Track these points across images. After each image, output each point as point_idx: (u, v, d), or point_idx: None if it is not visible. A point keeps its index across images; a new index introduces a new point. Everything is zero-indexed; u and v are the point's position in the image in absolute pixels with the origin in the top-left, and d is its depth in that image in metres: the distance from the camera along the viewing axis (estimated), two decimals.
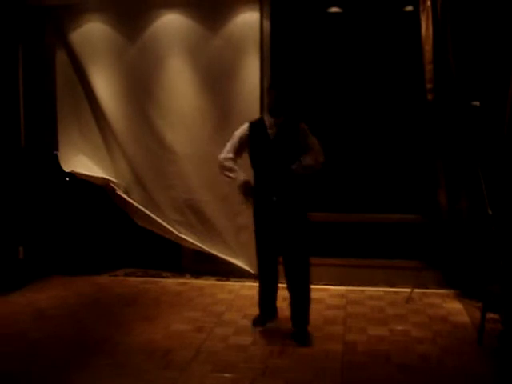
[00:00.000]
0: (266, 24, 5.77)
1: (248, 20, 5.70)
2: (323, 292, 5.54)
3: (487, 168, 4.88)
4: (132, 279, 6.08)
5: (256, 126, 4.48)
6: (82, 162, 6.14)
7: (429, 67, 5.35)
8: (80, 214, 6.17)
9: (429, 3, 5.28)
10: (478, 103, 4.80)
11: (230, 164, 4.48)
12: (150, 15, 5.89)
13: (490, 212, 4.51)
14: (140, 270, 6.29)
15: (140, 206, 6.06)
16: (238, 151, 4.53)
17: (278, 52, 5.88)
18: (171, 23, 5.88)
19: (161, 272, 6.20)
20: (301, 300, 4.52)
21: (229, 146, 4.52)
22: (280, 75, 4.57)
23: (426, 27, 5.32)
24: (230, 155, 4.49)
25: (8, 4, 5.77)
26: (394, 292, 5.53)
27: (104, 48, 6.05)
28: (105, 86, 6.05)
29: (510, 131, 4.96)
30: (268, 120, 4.42)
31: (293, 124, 4.42)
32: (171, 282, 5.93)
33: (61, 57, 6.10)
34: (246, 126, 4.51)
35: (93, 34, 6.03)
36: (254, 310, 4.77)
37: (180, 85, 5.95)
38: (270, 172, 4.39)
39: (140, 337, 4.49)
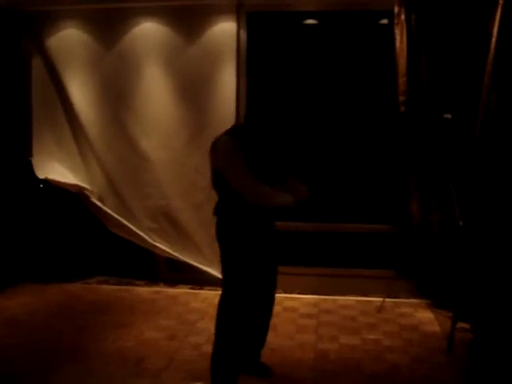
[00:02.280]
0: (243, 34, 5.81)
1: (225, 30, 5.73)
2: (296, 301, 5.57)
3: (458, 180, 4.97)
4: (105, 287, 6.04)
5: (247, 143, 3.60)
6: (56, 168, 6.10)
7: (402, 80, 5.43)
8: (53, 220, 6.13)
9: (403, 17, 5.37)
10: (449, 116, 4.88)
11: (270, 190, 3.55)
12: (128, 23, 5.89)
13: (461, 223, 4.58)
14: (113, 278, 6.25)
15: (114, 214, 6.04)
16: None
17: (254, 62, 5.92)
18: (148, 31, 5.89)
19: (134, 280, 6.17)
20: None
21: (247, 173, 3.47)
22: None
23: (400, 40, 5.40)
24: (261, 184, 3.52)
25: None
26: (366, 301, 5.58)
27: (80, 55, 6.02)
28: (80, 92, 6.03)
29: (480, 143, 5.05)
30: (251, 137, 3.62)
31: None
32: (145, 291, 5.91)
33: (37, 63, 6.06)
34: (233, 140, 3.53)
35: (70, 40, 6.01)
36: None
37: (156, 93, 5.96)
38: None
39: (113, 345, 4.47)
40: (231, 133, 3.59)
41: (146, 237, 6.01)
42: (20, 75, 6.06)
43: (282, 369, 4.05)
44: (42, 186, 6.06)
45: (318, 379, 3.93)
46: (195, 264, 5.96)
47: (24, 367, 4.06)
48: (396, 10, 5.40)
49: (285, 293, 5.69)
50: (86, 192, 6.07)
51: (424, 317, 5.19)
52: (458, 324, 4.50)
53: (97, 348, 4.41)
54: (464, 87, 5.23)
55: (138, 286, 6.06)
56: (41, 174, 5.99)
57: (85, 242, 6.26)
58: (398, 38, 5.42)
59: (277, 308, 5.18)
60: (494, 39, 4.92)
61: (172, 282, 6.07)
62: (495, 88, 4.92)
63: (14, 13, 5.94)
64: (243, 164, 3.44)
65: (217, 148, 3.51)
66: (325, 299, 5.63)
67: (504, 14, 4.86)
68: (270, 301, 3.90)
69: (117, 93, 6.00)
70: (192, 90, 5.87)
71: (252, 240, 3.59)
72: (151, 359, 4.20)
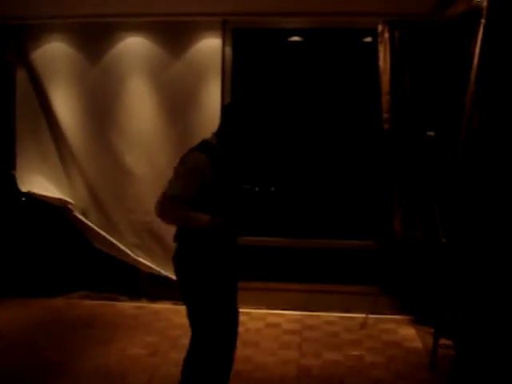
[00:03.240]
0: (228, 51, 5.85)
1: (210, 46, 5.76)
2: (279, 317, 5.55)
3: (441, 197, 5.00)
4: (87, 302, 5.99)
5: (217, 159, 3.30)
6: (39, 182, 6.06)
7: (385, 97, 5.49)
8: (36, 234, 6.08)
9: (387, 35, 5.43)
10: (432, 133, 4.94)
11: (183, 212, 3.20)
12: (113, 37, 5.91)
13: (444, 240, 4.61)
14: (95, 293, 6.20)
15: (97, 229, 6.01)
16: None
17: (239, 78, 5.95)
18: (134, 46, 5.91)
19: (117, 295, 6.13)
20: None
21: (175, 186, 3.20)
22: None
23: (384, 59, 5.46)
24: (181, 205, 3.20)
25: None
26: (350, 317, 5.58)
27: (65, 68, 6.02)
28: (65, 106, 6.02)
29: (463, 161, 5.09)
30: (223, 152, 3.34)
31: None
32: (127, 306, 5.87)
33: (21, 76, 6.04)
34: (202, 157, 3.23)
35: (54, 54, 6.00)
36: None
37: (140, 107, 5.96)
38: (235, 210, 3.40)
39: (95, 360, 4.44)
40: (201, 148, 3.30)
41: (129, 252, 5.99)
42: (4, 88, 6.05)
43: None
44: (24, 199, 6.01)
45: None
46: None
47: (5, 382, 4.01)
48: (380, 28, 5.47)
49: (268, 309, 5.68)
50: (70, 206, 6.04)
51: (407, 333, 5.20)
52: (441, 340, 4.51)
53: (80, 364, 4.38)
54: (447, 105, 5.28)
55: (120, 301, 6.02)
56: (24, 188, 5.96)
57: (67, 256, 6.21)
58: (381, 55, 5.48)
59: (260, 324, 5.22)
60: (475, 59, 4.97)
61: (155, 298, 6.03)
62: (477, 107, 4.97)
63: None
64: (191, 179, 3.18)
65: (183, 162, 3.25)
66: (308, 315, 5.63)
67: (486, 33, 4.91)
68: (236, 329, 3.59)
69: (101, 107, 6.00)
70: (177, 105, 5.88)
71: (219, 268, 3.30)
72: (133, 375, 4.18)
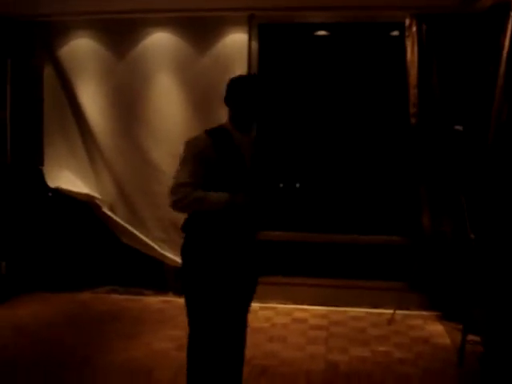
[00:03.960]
0: (254, 45, 5.83)
1: (236, 41, 5.75)
2: (306, 312, 5.54)
3: (470, 192, 4.95)
4: (114, 296, 6.04)
5: (221, 140, 3.13)
6: (67, 177, 6.12)
7: (413, 91, 5.44)
8: (63, 229, 6.14)
9: (414, 29, 5.38)
10: (460, 128, 4.88)
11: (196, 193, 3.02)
12: (139, 33, 5.93)
13: (472, 236, 4.56)
14: (122, 288, 6.25)
15: (124, 223, 6.06)
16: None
17: (265, 73, 5.94)
18: (160, 41, 5.92)
19: (143, 290, 6.17)
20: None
21: (183, 174, 3.05)
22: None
23: (411, 52, 5.41)
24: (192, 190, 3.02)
25: None
26: (377, 313, 5.55)
27: (92, 64, 6.06)
28: (92, 102, 6.07)
29: (491, 155, 5.03)
30: (235, 134, 3.18)
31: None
32: (154, 300, 5.91)
33: (49, 72, 6.10)
34: (204, 138, 3.10)
35: (81, 50, 6.05)
36: None
37: (167, 103, 5.98)
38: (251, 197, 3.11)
39: (122, 355, 4.47)
40: (208, 130, 3.17)
41: (155, 246, 6.02)
42: (32, 85, 6.11)
43: (293, 380, 4.03)
44: (50, 194, 6.06)
45: None
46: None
47: (32, 378, 4.05)
48: (407, 22, 5.41)
49: (294, 304, 5.67)
50: (97, 201, 6.08)
51: (434, 329, 5.16)
52: (469, 337, 4.46)
53: (106, 359, 4.40)
54: (475, 99, 5.22)
55: (146, 295, 6.06)
56: (52, 183, 6.02)
57: (94, 251, 6.26)
58: (409, 49, 5.43)
59: (286, 319, 5.22)
60: (505, 52, 4.91)
61: (181, 292, 6.03)
62: (506, 100, 4.91)
63: (27, 23, 6.00)
64: (193, 165, 3.02)
65: (185, 146, 3.13)
66: (335, 310, 5.61)
67: None
68: (243, 331, 3.42)
69: (128, 103, 6.03)
70: (203, 100, 5.88)
71: (226, 263, 3.11)
72: (160, 370, 4.20)
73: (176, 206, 3.02)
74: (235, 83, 3.21)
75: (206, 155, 3.03)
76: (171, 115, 5.98)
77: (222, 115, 5.73)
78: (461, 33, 5.32)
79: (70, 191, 6.03)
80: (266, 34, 5.90)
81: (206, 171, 3.03)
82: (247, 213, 3.09)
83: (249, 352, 4.42)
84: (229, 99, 3.20)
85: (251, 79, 3.28)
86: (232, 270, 3.12)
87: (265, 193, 3.18)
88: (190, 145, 3.09)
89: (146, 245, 6.02)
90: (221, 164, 3.04)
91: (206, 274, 3.09)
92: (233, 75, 5.65)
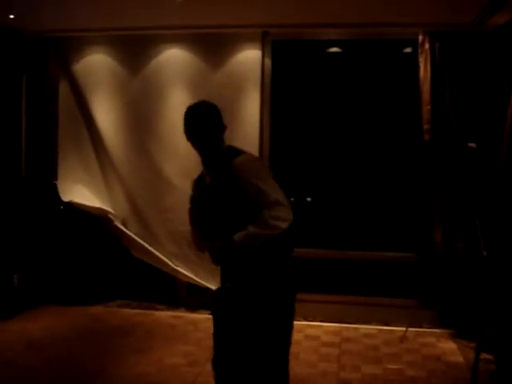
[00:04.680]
0: (268, 62, 5.87)
1: (250, 57, 5.79)
2: (318, 329, 5.53)
3: (482, 209, 4.94)
4: (126, 311, 6.05)
5: (198, 180, 3.31)
6: (80, 192, 6.16)
7: (426, 108, 5.44)
8: (76, 243, 6.16)
9: (427, 46, 5.39)
10: (474, 145, 4.88)
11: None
12: (154, 49, 5.99)
13: (485, 253, 4.54)
14: (134, 302, 6.26)
15: (137, 238, 6.08)
16: None
17: (278, 90, 5.97)
18: (174, 58, 5.98)
19: (155, 304, 6.17)
20: None
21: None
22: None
23: (424, 69, 5.42)
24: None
25: (12, 35, 5.85)
26: (389, 330, 5.52)
27: (106, 80, 6.12)
28: (106, 117, 6.12)
29: (505, 173, 5.02)
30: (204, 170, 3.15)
31: (222, 164, 2.98)
32: (165, 315, 5.91)
33: (64, 88, 6.17)
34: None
35: (96, 65, 6.11)
36: None
37: (180, 119, 5.87)
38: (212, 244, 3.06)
39: (133, 370, 4.47)
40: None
41: (167, 261, 6.03)
42: (47, 100, 6.18)
43: None
44: (62, 207, 6.09)
45: None
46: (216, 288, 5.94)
47: None
48: (420, 38, 5.43)
49: (306, 320, 5.66)
50: (110, 216, 6.11)
51: (447, 347, 5.12)
52: (482, 355, 4.43)
53: (117, 372, 4.41)
54: (489, 116, 5.22)
55: (158, 310, 6.06)
56: (65, 197, 6.06)
57: (106, 265, 6.28)
58: (421, 66, 5.45)
59: (298, 336, 5.20)
60: None
61: (193, 307, 6.05)
62: None
63: (42, 39, 6.08)
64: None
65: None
66: (347, 327, 5.59)
67: None
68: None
69: (141, 118, 6.07)
70: None
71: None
72: None
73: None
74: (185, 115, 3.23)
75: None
76: (183, 131, 5.99)
77: (233, 131, 5.82)
78: (474, 50, 5.34)
79: (83, 205, 6.07)
80: (279, 50, 5.94)
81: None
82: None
83: None
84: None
85: (188, 112, 3.21)
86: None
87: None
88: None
89: (159, 260, 6.03)
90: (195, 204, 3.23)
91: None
92: (246, 92, 5.80)
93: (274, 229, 2.80)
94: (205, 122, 3.04)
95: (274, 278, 2.94)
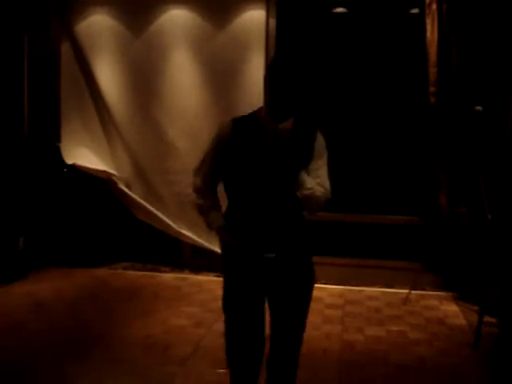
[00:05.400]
0: (272, 22, 5.78)
1: (254, 18, 5.71)
2: (321, 291, 5.54)
3: (488, 173, 4.92)
4: (130, 273, 6.09)
5: (246, 129, 2.78)
6: (83, 154, 6.13)
7: (433, 70, 5.38)
8: (80, 206, 6.17)
9: (434, 7, 5.30)
10: (480, 108, 4.83)
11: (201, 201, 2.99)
12: (156, 10, 5.89)
13: (490, 217, 4.54)
14: (138, 264, 6.29)
15: (141, 200, 6.08)
16: (216, 175, 2.93)
17: (282, 50, 5.89)
18: (177, 18, 5.89)
19: (159, 266, 6.21)
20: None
21: (201, 160, 2.96)
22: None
23: (431, 30, 5.34)
24: (202, 185, 2.97)
25: None
26: (392, 293, 5.57)
27: (109, 41, 6.04)
28: (109, 79, 6.06)
29: (511, 137, 4.99)
30: (268, 123, 2.73)
31: (308, 132, 2.84)
32: (170, 277, 5.95)
33: (66, 49, 6.10)
34: (227, 125, 2.81)
35: (98, 27, 6.02)
36: None
37: (183, 80, 5.96)
38: (267, 210, 2.76)
39: (138, 331, 4.52)
40: (236, 118, 2.84)
41: (172, 224, 6.04)
42: (49, 61, 6.10)
43: (309, 359, 4.04)
44: (65, 170, 6.08)
45: (344, 369, 3.95)
46: (220, 251, 5.96)
47: (51, 353, 4.10)
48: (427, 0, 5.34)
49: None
50: (114, 178, 6.10)
51: (449, 310, 5.17)
52: (485, 318, 4.46)
53: (123, 335, 4.46)
54: (496, 79, 5.16)
55: (163, 272, 6.10)
56: (69, 160, 6.04)
57: (111, 227, 6.29)
58: (428, 27, 5.36)
59: None
60: None
61: (197, 269, 6.09)
62: None
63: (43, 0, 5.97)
64: (212, 152, 2.86)
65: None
66: (350, 290, 5.63)
67: None
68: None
69: (144, 79, 6.02)
70: (220, 78, 5.86)
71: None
72: (177, 346, 4.24)
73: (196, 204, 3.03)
74: (272, 66, 2.77)
75: (226, 144, 2.77)
76: (187, 92, 5.96)
77: (238, 92, 5.80)
78: (481, 11, 5.24)
79: (87, 168, 6.05)
80: (283, 11, 5.84)
81: (223, 161, 2.81)
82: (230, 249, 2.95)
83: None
84: (265, 83, 2.76)
85: (289, 64, 2.68)
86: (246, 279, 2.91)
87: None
88: (216, 131, 2.88)
89: (162, 222, 6.04)
90: (238, 157, 2.74)
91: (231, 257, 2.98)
92: (250, 52, 5.74)
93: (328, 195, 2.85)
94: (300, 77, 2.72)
95: (312, 243, 3.02)
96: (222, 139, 2.79)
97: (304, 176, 2.71)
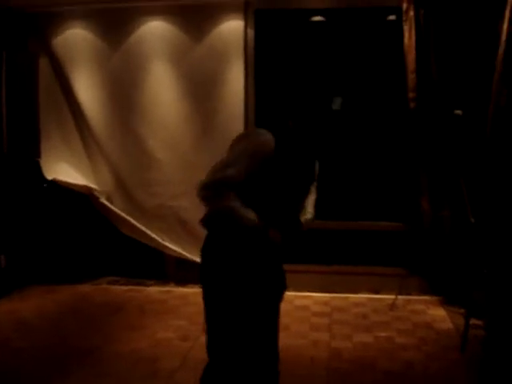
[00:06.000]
0: (250, 32, 5.80)
1: (232, 28, 5.71)
2: (308, 299, 5.55)
3: (469, 176, 4.95)
4: (115, 288, 6.03)
5: (283, 145, 2.75)
6: (64, 169, 6.09)
7: (411, 76, 5.41)
8: (61, 221, 6.12)
9: (412, 13, 5.35)
10: (460, 112, 4.87)
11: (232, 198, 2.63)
12: (134, 22, 5.88)
13: (473, 220, 4.56)
14: (123, 279, 6.24)
15: (123, 214, 6.03)
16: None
17: (262, 60, 5.90)
18: (155, 30, 5.88)
19: (144, 280, 6.16)
20: None
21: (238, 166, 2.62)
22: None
23: (409, 37, 5.38)
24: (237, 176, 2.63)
25: None
26: (378, 299, 5.57)
27: (87, 55, 6.01)
28: (87, 93, 6.02)
29: (491, 140, 5.03)
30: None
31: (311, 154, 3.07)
32: (155, 290, 5.91)
33: (44, 64, 6.05)
34: (269, 137, 2.70)
35: (76, 40, 5.99)
36: None
37: (163, 92, 5.95)
38: (277, 220, 2.73)
39: (125, 346, 4.47)
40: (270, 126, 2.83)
41: (155, 237, 6.00)
42: (27, 76, 6.05)
43: (296, 367, 4.03)
44: (45, 185, 6.03)
45: (332, 377, 3.93)
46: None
47: (36, 371, 4.03)
48: (404, 6, 5.39)
49: (296, 291, 5.66)
50: (95, 193, 6.06)
51: (436, 314, 5.17)
52: (471, 321, 4.47)
53: (110, 349, 4.40)
54: (474, 83, 5.20)
55: (148, 285, 6.05)
56: (49, 175, 5.98)
57: (94, 242, 6.25)
58: (406, 34, 5.40)
59: (288, 306, 5.20)
60: (503, 36, 4.89)
61: (182, 282, 6.04)
62: (505, 85, 4.90)
63: (21, 14, 5.93)
64: (251, 163, 2.64)
65: (244, 136, 2.89)
66: (336, 297, 5.62)
67: None
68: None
69: (123, 92, 5.99)
70: (199, 89, 5.86)
71: (246, 272, 2.71)
72: (164, 360, 4.20)
73: (206, 201, 2.66)
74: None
75: (264, 154, 2.65)
76: (167, 104, 5.95)
77: (218, 103, 5.79)
78: (459, 17, 5.29)
79: (68, 183, 6.00)
80: (262, 20, 5.86)
81: (253, 170, 2.63)
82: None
83: None
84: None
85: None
86: (248, 279, 2.73)
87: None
88: (258, 139, 2.70)
89: (146, 235, 6.00)
90: (269, 169, 2.65)
91: (228, 272, 2.71)
92: (229, 63, 5.74)
93: None
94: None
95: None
96: (265, 149, 2.66)
97: (307, 200, 2.90)
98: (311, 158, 3.04)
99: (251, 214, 2.61)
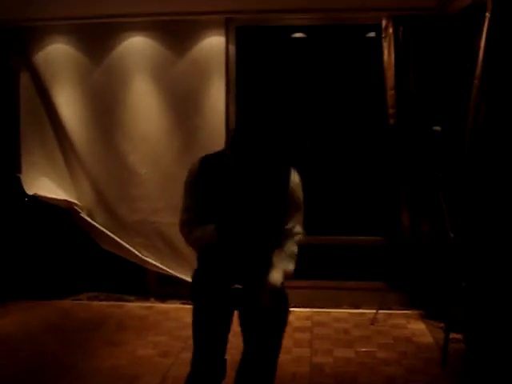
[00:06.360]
0: (232, 49, 5.84)
1: (214, 44, 5.74)
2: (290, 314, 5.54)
3: (448, 191, 5.00)
4: (96, 303, 6.00)
5: (211, 167, 2.91)
6: (45, 184, 6.06)
7: (391, 93, 5.48)
8: (42, 237, 6.07)
9: (391, 30, 5.42)
10: (439, 128, 4.92)
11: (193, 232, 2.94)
12: (116, 38, 5.89)
13: (452, 234, 4.60)
14: (103, 294, 6.20)
15: (104, 229, 6.01)
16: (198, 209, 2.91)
17: (243, 76, 5.94)
18: (136, 46, 5.90)
19: (125, 296, 6.12)
20: None
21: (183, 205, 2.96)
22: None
23: (388, 53, 5.45)
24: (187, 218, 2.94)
25: None
26: (359, 313, 5.58)
27: (68, 70, 6.01)
28: (69, 108, 6.01)
29: (469, 156, 5.08)
30: (234, 160, 2.89)
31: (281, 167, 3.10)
32: (136, 306, 5.87)
33: (25, 79, 6.04)
34: (195, 163, 2.92)
35: (57, 56, 5.99)
36: None
37: (144, 107, 5.96)
38: (235, 242, 2.85)
39: (105, 362, 4.44)
40: (205, 156, 2.96)
41: (136, 252, 5.98)
42: (8, 92, 6.04)
43: (279, 383, 4.02)
44: (26, 199, 5.99)
45: None
46: (186, 278, 5.91)
47: None
48: (384, 23, 5.46)
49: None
50: (76, 207, 6.03)
51: (417, 328, 5.20)
52: (451, 335, 4.50)
53: (90, 366, 4.37)
54: (452, 99, 5.27)
55: (128, 301, 6.02)
56: (30, 191, 5.95)
57: (74, 257, 6.21)
58: (385, 51, 5.48)
59: None
60: (481, 52, 4.96)
61: (163, 297, 6.03)
62: (483, 101, 4.96)
63: (2, 29, 5.92)
64: (188, 193, 2.91)
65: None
66: (318, 312, 5.63)
67: (491, 27, 4.90)
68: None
69: (105, 108, 5.99)
70: (181, 104, 5.87)
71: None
72: (144, 377, 4.18)
73: (186, 240, 3.03)
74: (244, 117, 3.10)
75: (196, 182, 2.88)
76: (148, 119, 5.96)
77: (199, 118, 5.81)
78: (437, 34, 5.38)
79: (49, 198, 5.97)
80: (243, 36, 5.90)
81: (199, 198, 2.88)
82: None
83: (234, 356, 4.45)
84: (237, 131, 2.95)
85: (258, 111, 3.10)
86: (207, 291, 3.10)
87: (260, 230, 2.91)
88: (188, 171, 2.94)
89: (127, 250, 5.98)
90: (205, 193, 2.86)
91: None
92: (210, 79, 5.76)
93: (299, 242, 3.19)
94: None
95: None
96: (191, 177, 2.89)
97: (293, 221, 3.13)
98: (282, 173, 3.10)
99: (208, 230, 2.83)
